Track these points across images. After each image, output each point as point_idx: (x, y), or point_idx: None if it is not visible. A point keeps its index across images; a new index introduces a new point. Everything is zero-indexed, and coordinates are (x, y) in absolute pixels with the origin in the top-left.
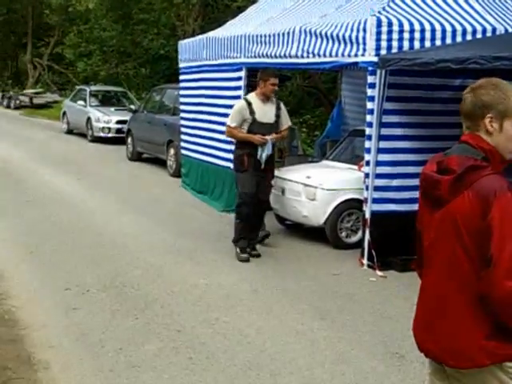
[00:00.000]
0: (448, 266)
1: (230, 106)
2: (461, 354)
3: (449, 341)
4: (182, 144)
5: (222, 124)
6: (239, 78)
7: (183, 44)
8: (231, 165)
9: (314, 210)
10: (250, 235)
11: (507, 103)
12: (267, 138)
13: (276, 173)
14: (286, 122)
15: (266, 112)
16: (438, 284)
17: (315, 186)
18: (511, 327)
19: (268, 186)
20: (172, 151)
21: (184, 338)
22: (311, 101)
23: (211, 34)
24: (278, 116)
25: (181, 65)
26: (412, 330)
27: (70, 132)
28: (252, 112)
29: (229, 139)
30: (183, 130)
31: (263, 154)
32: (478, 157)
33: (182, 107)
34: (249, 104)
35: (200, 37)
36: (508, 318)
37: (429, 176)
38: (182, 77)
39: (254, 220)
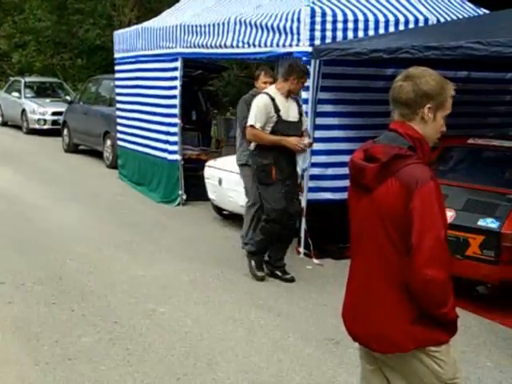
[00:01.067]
0: (374, 252)
1: (166, 97)
2: (386, 339)
3: (375, 326)
4: (119, 135)
5: (159, 115)
6: (175, 69)
7: (118, 34)
8: (168, 155)
9: None
10: (275, 254)
11: (445, 95)
12: (306, 142)
13: (213, 163)
14: (305, 120)
15: (289, 109)
16: (365, 270)
17: None
18: (432, 314)
19: (297, 195)
20: (108, 142)
21: (121, 329)
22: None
23: (147, 24)
24: (300, 114)
25: (116, 55)
26: (341, 316)
27: (4, 124)
28: (277, 109)
29: (172, 131)
30: (119, 121)
31: (303, 165)
32: (405, 145)
33: (118, 98)
34: (272, 99)
35: (135, 27)
36: (428, 304)
37: (356, 163)
38: (117, 67)
39: (284, 237)
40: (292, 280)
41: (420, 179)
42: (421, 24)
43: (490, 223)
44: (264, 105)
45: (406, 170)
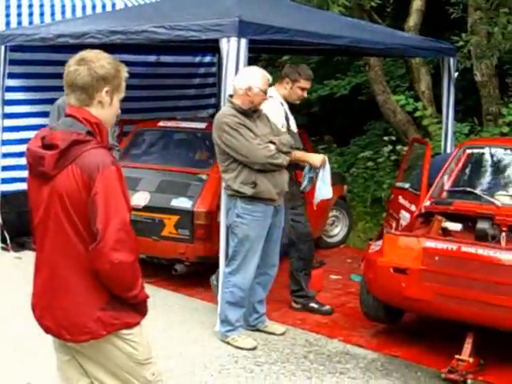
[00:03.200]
0: (60, 242)
1: None
2: (78, 328)
3: (65, 316)
4: None
5: None
6: None
7: None
8: None
9: None
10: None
11: (120, 78)
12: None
13: None
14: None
15: (293, 118)
16: (52, 260)
17: None
18: (123, 297)
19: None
20: None
21: None
22: None
23: None
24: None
25: None
26: (31, 308)
27: None
28: (287, 117)
29: None
30: None
31: (325, 180)
32: (83, 131)
33: None
34: (281, 105)
35: None
36: (119, 288)
37: (33, 152)
38: None
39: None
40: (330, 312)
41: (101, 164)
42: (108, 9)
43: (183, 203)
44: (280, 112)
45: (87, 156)
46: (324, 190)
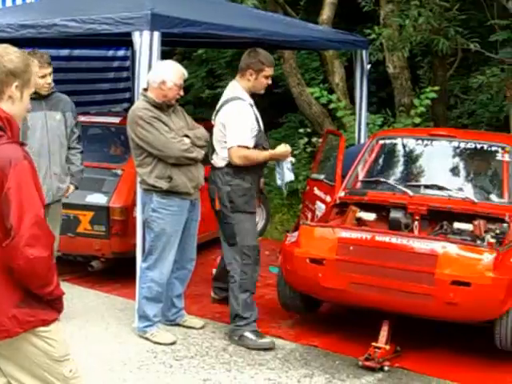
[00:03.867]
0: None
1: None
2: None
3: None
4: None
5: None
6: None
7: None
8: None
9: None
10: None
11: (30, 73)
12: (288, 148)
13: None
14: None
15: (260, 118)
16: None
17: None
18: (39, 293)
19: None
20: None
21: None
22: None
23: None
24: None
25: None
26: None
27: None
28: (257, 117)
29: None
30: None
31: (289, 174)
32: None
33: None
34: (251, 106)
35: None
36: (34, 284)
37: None
38: None
39: None
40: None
41: (13, 159)
42: (19, 2)
43: (98, 198)
44: (251, 116)
45: None
46: (290, 174)
